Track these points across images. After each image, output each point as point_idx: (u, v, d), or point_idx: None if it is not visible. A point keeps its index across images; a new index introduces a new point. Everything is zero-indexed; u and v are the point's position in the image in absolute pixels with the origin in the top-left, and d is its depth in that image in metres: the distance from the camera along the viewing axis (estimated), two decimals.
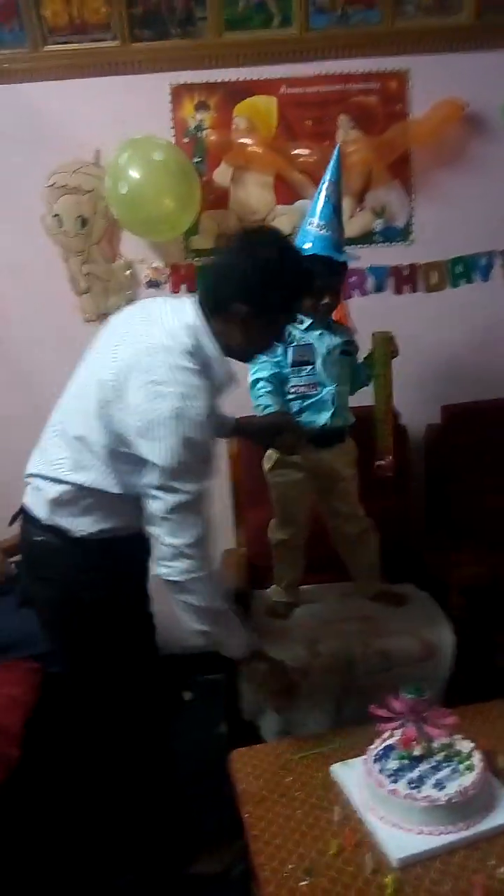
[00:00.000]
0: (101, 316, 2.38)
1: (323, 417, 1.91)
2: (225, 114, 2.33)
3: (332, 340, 1.91)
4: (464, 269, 2.48)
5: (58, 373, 2.49)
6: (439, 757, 1.31)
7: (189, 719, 2.20)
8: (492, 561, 1.90)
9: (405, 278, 2.47)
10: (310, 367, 1.89)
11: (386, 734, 1.37)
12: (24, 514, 1.51)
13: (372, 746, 1.37)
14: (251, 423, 1.83)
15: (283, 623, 1.96)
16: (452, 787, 1.23)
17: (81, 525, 1.43)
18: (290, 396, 1.92)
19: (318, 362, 1.89)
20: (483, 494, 2.30)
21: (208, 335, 1.38)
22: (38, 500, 1.46)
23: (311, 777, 1.39)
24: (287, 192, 2.39)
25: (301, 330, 1.90)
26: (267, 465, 2.00)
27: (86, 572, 1.45)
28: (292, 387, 1.91)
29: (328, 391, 1.90)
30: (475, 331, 2.52)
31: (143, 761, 1.57)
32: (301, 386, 1.90)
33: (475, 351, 2.53)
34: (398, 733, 1.35)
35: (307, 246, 1.82)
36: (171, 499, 1.34)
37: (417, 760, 1.31)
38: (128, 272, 2.37)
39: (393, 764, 1.30)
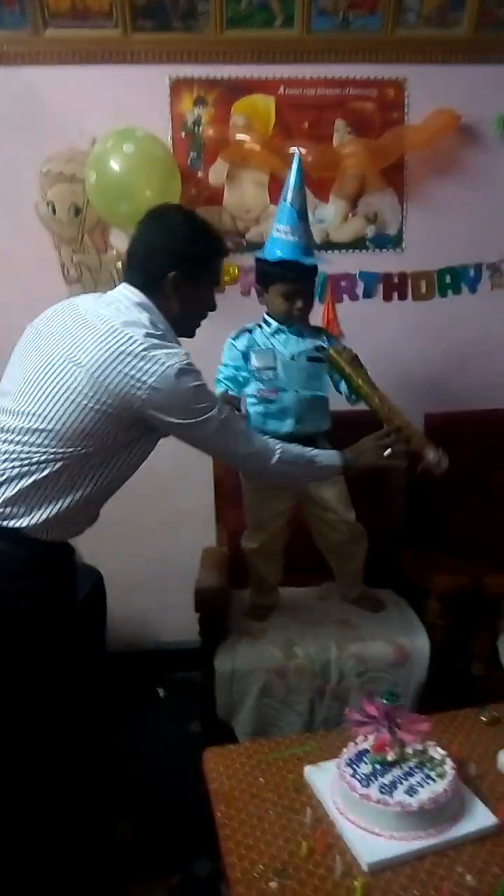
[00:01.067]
0: None
1: (287, 424, 1.89)
2: (223, 110, 2.33)
3: (299, 346, 1.89)
4: (452, 280, 2.51)
5: None
6: (412, 763, 1.32)
7: (162, 716, 2.20)
8: (470, 568, 1.92)
9: (394, 286, 2.48)
10: (271, 371, 1.88)
11: (360, 738, 1.38)
12: None
13: (345, 750, 1.37)
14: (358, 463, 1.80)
15: (260, 625, 1.97)
16: (424, 794, 1.24)
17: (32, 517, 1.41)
18: (253, 401, 1.92)
19: (280, 367, 1.88)
20: (464, 502, 2.32)
21: (154, 308, 1.50)
22: None
23: (283, 778, 1.39)
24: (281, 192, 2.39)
25: (266, 334, 1.90)
26: None
27: (24, 578, 1.42)
28: (257, 391, 1.91)
29: (289, 397, 1.88)
30: (461, 341, 2.55)
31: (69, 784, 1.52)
32: (263, 390, 1.90)
33: (460, 361, 2.56)
34: (372, 738, 1.36)
35: (277, 253, 1.82)
36: (209, 431, 1.48)
37: (390, 766, 1.31)
38: (118, 263, 2.35)
39: (366, 768, 1.31)
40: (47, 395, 1.41)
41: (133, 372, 1.38)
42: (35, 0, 2.12)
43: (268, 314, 1.93)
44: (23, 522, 1.40)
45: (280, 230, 1.84)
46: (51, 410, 1.40)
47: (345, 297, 2.45)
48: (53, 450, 1.40)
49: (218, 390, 1.90)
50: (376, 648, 1.84)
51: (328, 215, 2.41)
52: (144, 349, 1.39)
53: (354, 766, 1.32)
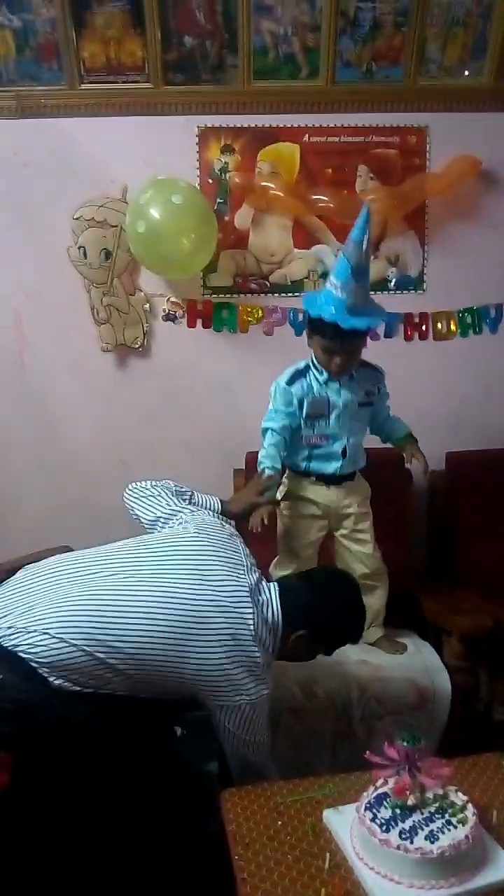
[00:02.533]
0: (119, 346, 2.43)
1: (332, 466, 1.93)
2: (249, 157, 2.40)
3: (350, 395, 1.89)
4: (473, 320, 2.53)
5: (71, 397, 2.54)
6: (432, 808, 1.30)
7: (180, 756, 2.18)
8: (492, 610, 1.90)
9: (415, 325, 2.51)
10: (323, 420, 1.89)
11: (379, 781, 1.36)
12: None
13: (365, 794, 1.36)
14: (231, 509, 1.84)
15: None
16: (445, 841, 1.22)
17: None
18: (302, 444, 1.94)
19: (333, 416, 1.89)
20: (484, 540, 2.32)
21: (279, 634, 1.52)
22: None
23: (302, 822, 1.38)
24: (305, 237, 2.45)
25: (319, 382, 1.89)
26: (278, 496, 2.02)
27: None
28: (304, 437, 1.92)
29: (339, 444, 1.91)
30: (481, 380, 2.56)
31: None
32: (312, 437, 1.91)
33: (480, 400, 2.57)
34: (392, 781, 1.34)
35: (319, 309, 1.76)
36: (236, 747, 1.53)
37: (410, 811, 1.29)
38: (146, 305, 2.42)
39: (385, 813, 1.29)
40: (132, 616, 1.42)
41: (233, 678, 1.44)
42: (72, 56, 2.22)
43: (313, 363, 1.91)
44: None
45: (332, 282, 1.73)
46: (125, 631, 1.41)
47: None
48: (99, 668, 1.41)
49: (263, 465, 1.89)
50: (397, 690, 1.83)
51: None
52: (251, 673, 1.45)
53: (374, 811, 1.30)
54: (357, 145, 2.42)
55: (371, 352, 2.46)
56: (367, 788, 1.37)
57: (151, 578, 1.48)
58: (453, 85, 2.40)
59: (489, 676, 1.91)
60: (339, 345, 1.77)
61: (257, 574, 1.57)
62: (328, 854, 1.28)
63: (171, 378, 2.44)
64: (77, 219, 2.35)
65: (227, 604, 1.46)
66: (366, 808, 1.31)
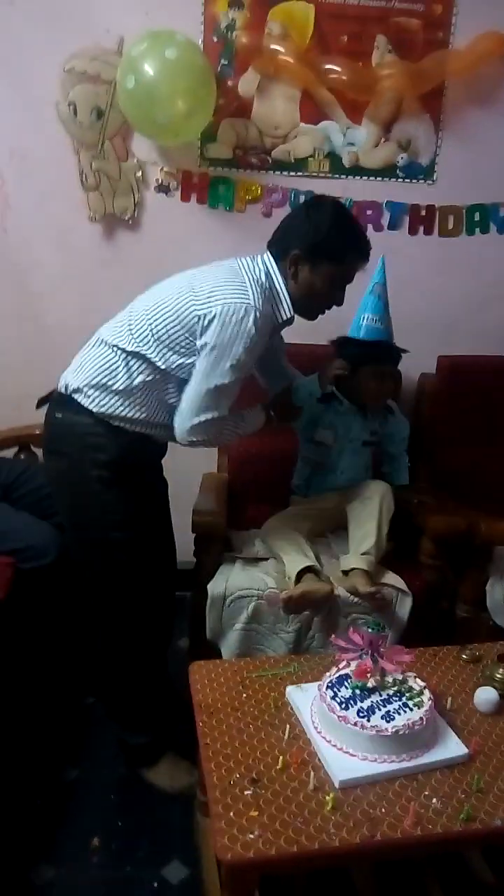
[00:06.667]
0: (108, 216, 2.30)
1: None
2: (259, 15, 2.20)
3: (360, 430, 2.03)
4: (481, 217, 2.42)
5: (53, 268, 2.41)
6: (391, 691, 1.35)
7: None
8: (466, 512, 1.92)
9: (422, 219, 2.40)
10: (328, 449, 2.03)
11: (342, 664, 1.41)
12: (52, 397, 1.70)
13: (328, 674, 1.41)
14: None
15: (255, 550, 1.97)
16: (400, 721, 1.27)
17: (106, 404, 1.60)
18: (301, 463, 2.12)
19: (335, 449, 2.03)
20: (467, 447, 2.32)
21: (279, 273, 1.66)
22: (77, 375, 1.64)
23: (266, 696, 1.44)
24: (312, 111, 2.29)
25: (339, 411, 2.02)
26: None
27: (95, 450, 1.61)
28: (307, 451, 2.09)
29: (333, 478, 2.04)
30: (482, 283, 2.48)
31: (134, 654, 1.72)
32: (313, 459, 2.08)
33: (479, 304, 2.49)
34: (354, 664, 1.39)
35: (374, 335, 1.93)
36: (210, 382, 1.58)
37: (370, 692, 1.35)
38: (138, 173, 2.27)
39: (346, 692, 1.35)
40: (152, 300, 1.64)
41: (222, 283, 1.58)
42: None
43: (337, 391, 2.00)
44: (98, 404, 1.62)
45: (368, 318, 1.93)
46: (148, 313, 1.62)
47: (369, 227, 2.36)
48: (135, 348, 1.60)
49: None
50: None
51: (359, 138, 2.31)
52: (243, 282, 1.59)
53: (335, 690, 1.35)
54: (377, 11, 2.22)
55: (374, 244, 2.36)
56: (329, 669, 1.42)
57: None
58: None
59: (457, 576, 1.95)
60: (391, 368, 2.00)
61: None
62: (288, 726, 1.34)
63: (160, 254, 2.30)
64: (68, 71, 2.15)
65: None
66: (327, 687, 1.36)
